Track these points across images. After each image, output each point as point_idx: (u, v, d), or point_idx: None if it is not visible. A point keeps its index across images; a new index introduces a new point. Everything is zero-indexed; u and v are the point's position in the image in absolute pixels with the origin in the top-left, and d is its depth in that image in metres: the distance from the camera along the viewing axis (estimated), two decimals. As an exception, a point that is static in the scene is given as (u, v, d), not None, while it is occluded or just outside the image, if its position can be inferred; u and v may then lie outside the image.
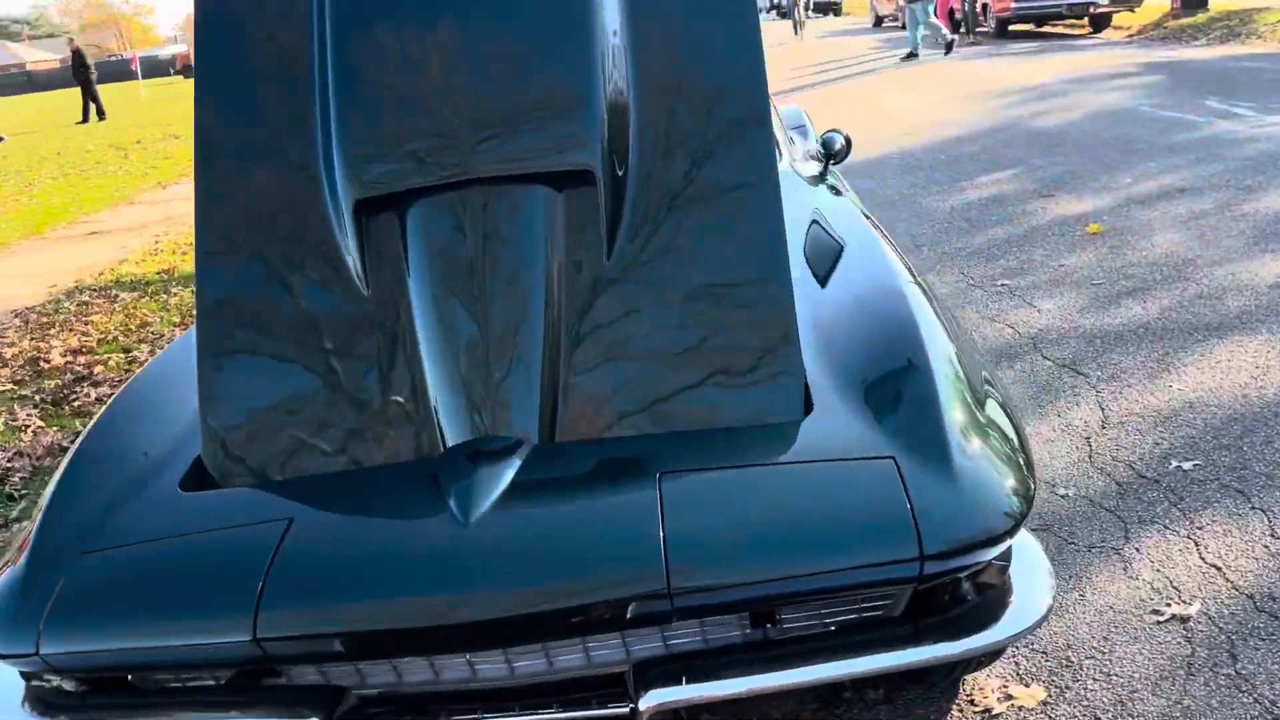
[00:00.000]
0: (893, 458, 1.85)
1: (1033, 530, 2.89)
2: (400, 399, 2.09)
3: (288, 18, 2.27)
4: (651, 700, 1.74)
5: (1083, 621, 2.54)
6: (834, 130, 3.65)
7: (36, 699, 1.94)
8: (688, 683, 1.76)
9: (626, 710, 1.78)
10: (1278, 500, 2.94)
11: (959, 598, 1.89)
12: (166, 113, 24.21)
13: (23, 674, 1.95)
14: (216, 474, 2.09)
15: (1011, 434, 2.00)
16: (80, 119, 23.58)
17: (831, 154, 3.59)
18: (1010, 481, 1.85)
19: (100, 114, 23.70)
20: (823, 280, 2.56)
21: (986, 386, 2.13)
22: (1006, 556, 1.96)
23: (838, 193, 3.39)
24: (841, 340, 2.22)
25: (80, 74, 23.52)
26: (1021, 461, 1.93)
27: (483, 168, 2.16)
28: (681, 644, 1.86)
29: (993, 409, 2.06)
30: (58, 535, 1.97)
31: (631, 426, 2.03)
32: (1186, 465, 3.16)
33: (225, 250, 2.21)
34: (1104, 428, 3.43)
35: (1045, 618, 1.89)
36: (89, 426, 2.28)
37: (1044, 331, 4.32)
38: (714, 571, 1.73)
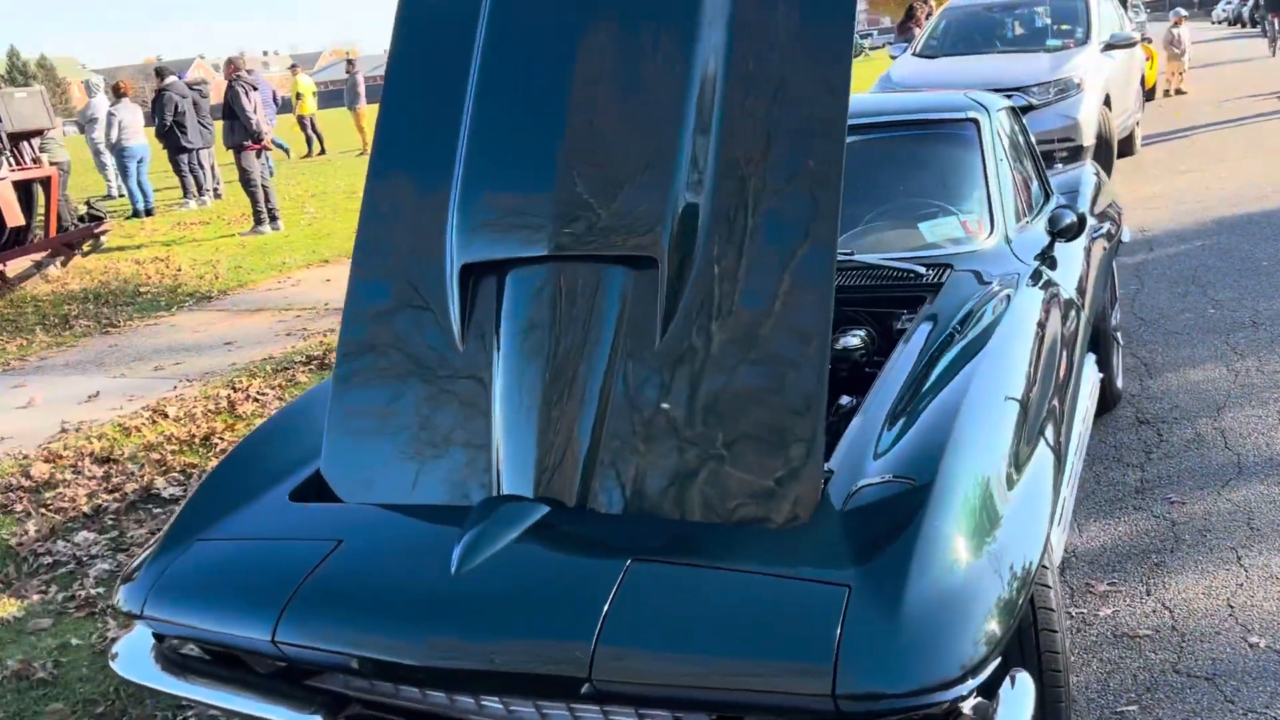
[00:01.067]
0: (848, 586, 1.82)
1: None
2: (470, 449, 2.33)
3: (448, 95, 2.57)
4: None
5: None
6: (1066, 206, 3.43)
7: (160, 655, 2.39)
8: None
9: None
10: None
11: None
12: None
13: (153, 633, 2.41)
14: (332, 486, 2.45)
15: (1011, 575, 1.89)
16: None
17: (1056, 232, 3.37)
18: (978, 628, 1.77)
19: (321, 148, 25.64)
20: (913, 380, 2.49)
21: (1014, 521, 2.01)
22: (983, 706, 1.86)
23: (1039, 279, 3.19)
24: (875, 449, 2.18)
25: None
26: (1003, 605, 1.82)
27: (568, 247, 2.34)
28: None
29: (1006, 546, 1.94)
30: (187, 524, 2.41)
31: (645, 503, 2.13)
32: None
33: (367, 298, 2.55)
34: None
35: None
36: (238, 443, 2.74)
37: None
38: (634, 664, 1.81)
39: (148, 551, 2.41)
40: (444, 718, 2.13)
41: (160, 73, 14.28)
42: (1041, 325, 2.93)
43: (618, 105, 2.39)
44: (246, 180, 11.37)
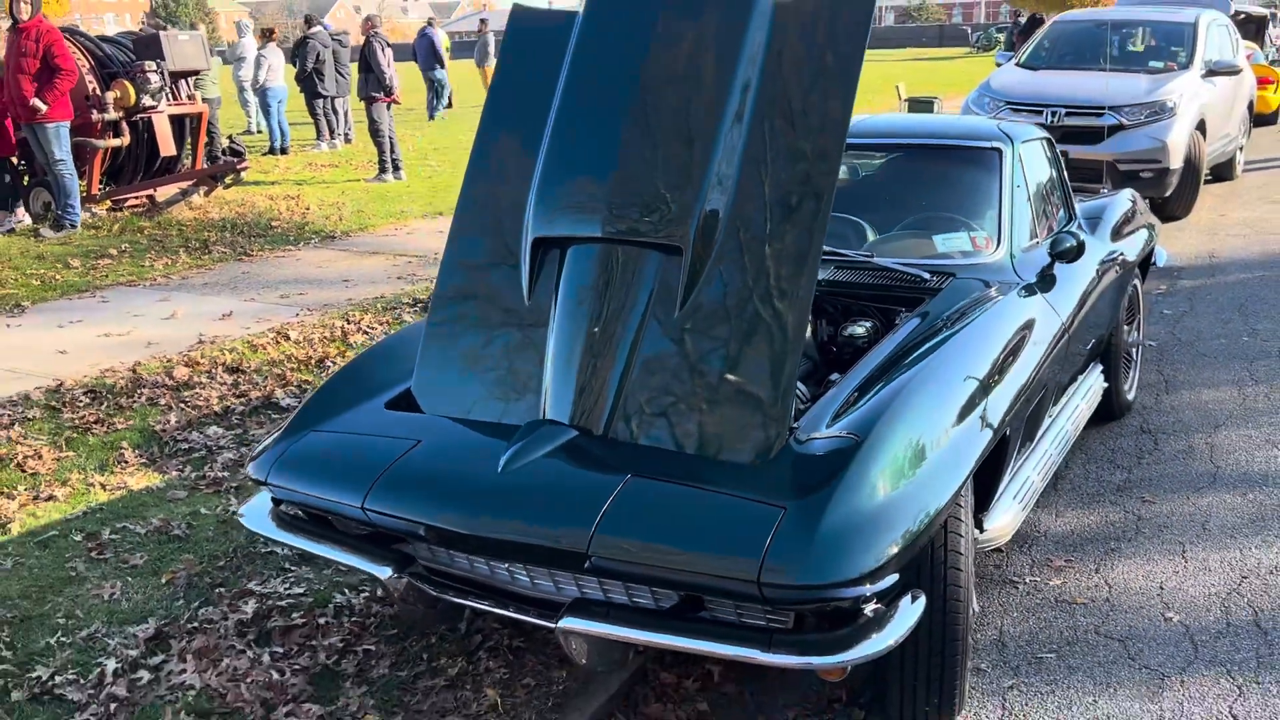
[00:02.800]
0: (784, 507, 2.43)
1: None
2: (526, 382, 2.98)
3: (539, 100, 3.21)
4: (565, 622, 2.51)
5: None
6: (1068, 231, 3.91)
7: (276, 515, 3.11)
8: (597, 621, 2.50)
9: (551, 625, 2.57)
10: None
11: (825, 624, 2.44)
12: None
13: (272, 498, 3.13)
14: (418, 401, 3.13)
15: (916, 515, 2.47)
16: None
17: (1056, 254, 3.86)
18: (879, 549, 2.36)
19: None
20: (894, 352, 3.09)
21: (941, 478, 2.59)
22: (885, 602, 2.45)
23: (1031, 292, 3.71)
24: (837, 412, 2.78)
25: None
26: (905, 535, 2.41)
27: (615, 233, 2.97)
28: (615, 599, 2.60)
29: (916, 493, 2.53)
30: (304, 419, 3.11)
31: (653, 436, 2.76)
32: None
33: (462, 252, 3.22)
34: None
35: (881, 653, 2.38)
36: (350, 360, 3.43)
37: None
38: (621, 548, 2.45)
39: (272, 437, 3.13)
40: (485, 584, 2.80)
41: (309, 20, 15.26)
42: (1021, 329, 3.46)
43: (667, 121, 3.01)
44: (375, 130, 12.24)
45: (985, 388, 3.05)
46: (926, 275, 3.69)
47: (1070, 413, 4.19)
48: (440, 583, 2.83)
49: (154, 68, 9.61)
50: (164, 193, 10.22)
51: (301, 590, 3.55)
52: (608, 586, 2.61)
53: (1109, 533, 3.98)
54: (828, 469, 2.54)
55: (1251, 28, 19.67)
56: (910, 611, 2.49)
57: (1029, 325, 3.54)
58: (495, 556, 2.68)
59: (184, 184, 10.30)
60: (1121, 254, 4.69)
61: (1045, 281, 3.87)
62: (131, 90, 9.54)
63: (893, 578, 2.44)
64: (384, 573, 2.78)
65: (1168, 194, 9.63)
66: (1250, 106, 12.64)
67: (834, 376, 3.31)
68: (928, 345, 3.16)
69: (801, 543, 2.36)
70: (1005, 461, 3.21)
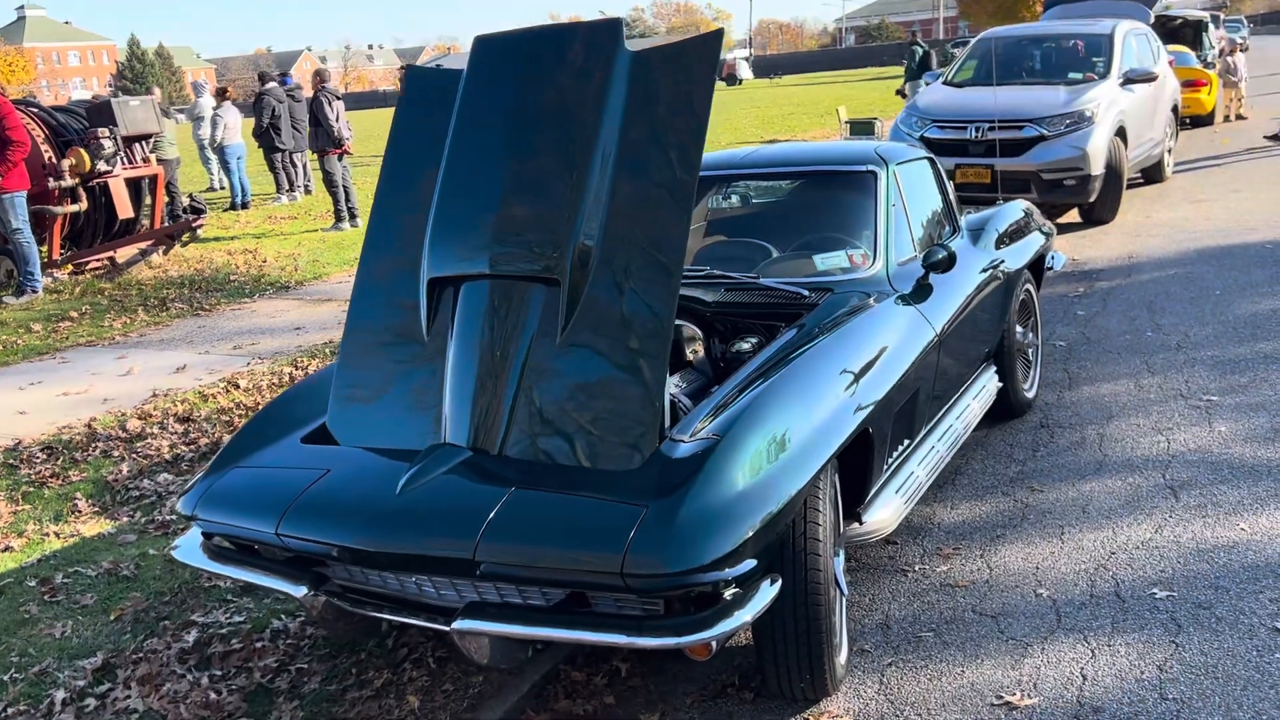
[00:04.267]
0: (646, 506, 2.73)
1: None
2: (427, 410, 3.27)
3: (436, 145, 3.53)
4: (458, 624, 2.78)
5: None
6: (939, 244, 4.23)
7: (207, 547, 3.38)
8: (488, 621, 2.78)
9: (446, 627, 2.85)
10: None
11: (690, 609, 2.73)
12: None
13: (202, 531, 3.40)
14: (333, 433, 3.41)
15: (768, 507, 2.77)
16: None
17: (929, 265, 4.18)
18: (732, 539, 2.66)
19: None
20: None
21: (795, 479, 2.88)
22: (744, 585, 2.74)
23: (904, 301, 4.03)
24: (707, 417, 3.08)
25: None
26: (758, 526, 2.71)
27: (501, 268, 3.27)
28: (507, 600, 2.89)
29: (768, 488, 2.82)
30: (227, 457, 3.39)
31: (541, 451, 3.05)
32: None
33: (367, 294, 3.52)
34: None
35: (738, 629, 2.66)
36: (270, 401, 3.73)
37: None
38: (504, 553, 2.74)
39: (199, 475, 3.41)
40: (395, 597, 3.08)
41: (262, 77, 15.60)
42: (888, 334, 3.78)
43: (543, 167, 3.33)
44: (329, 181, 12.57)
45: (844, 388, 3.36)
46: (805, 292, 4.01)
47: (960, 412, 4.51)
48: (354, 598, 3.10)
49: (107, 134, 9.92)
50: (124, 254, 10.51)
51: (242, 618, 3.82)
52: (500, 589, 2.89)
53: (997, 521, 4.28)
54: (688, 469, 2.83)
55: (1189, 32, 20.27)
56: (766, 592, 2.78)
57: (898, 331, 3.85)
58: (398, 570, 2.96)
59: (143, 244, 10.59)
60: (1004, 261, 5.02)
61: (920, 292, 4.19)
62: (86, 157, 9.84)
63: (750, 563, 2.73)
64: (299, 591, 3.06)
65: (1092, 199, 10.03)
66: (1175, 110, 13.08)
67: (715, 388, 3.61)
68: (795, 353, 3.47)
69: (659, 536, 2.64)
70: (874, 458, 3.51)
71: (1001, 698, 3.14)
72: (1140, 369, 5.90)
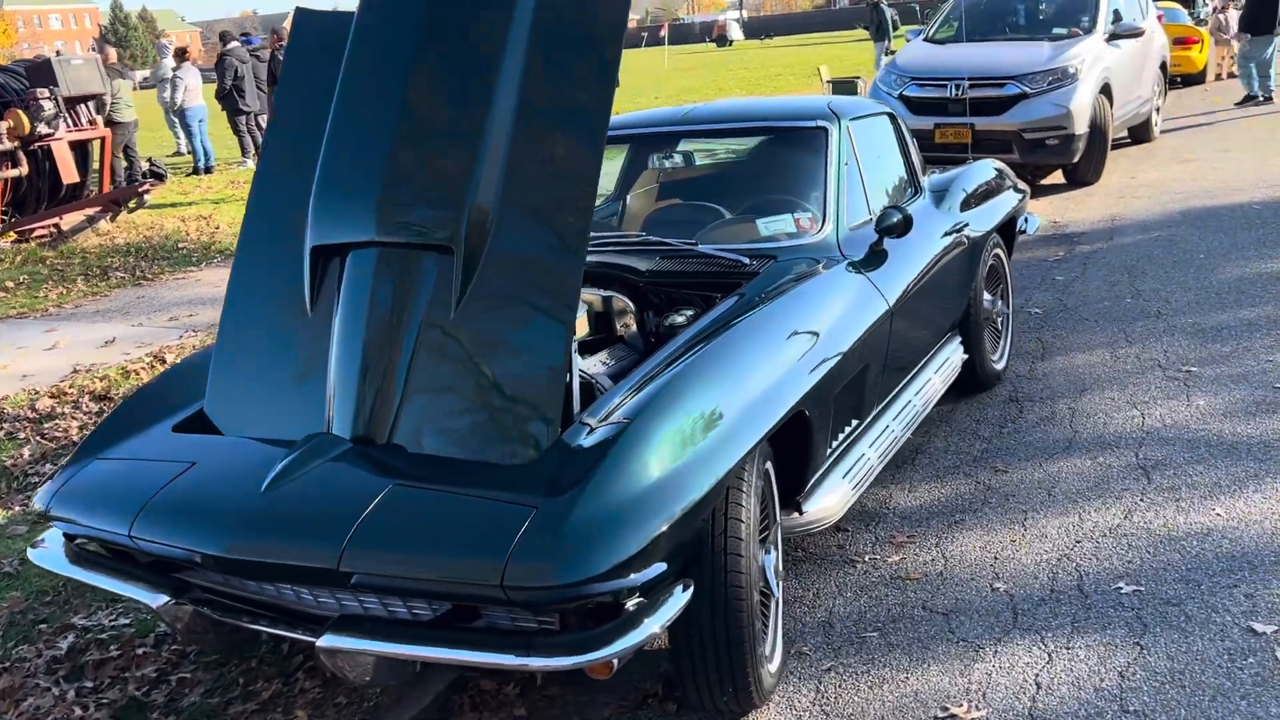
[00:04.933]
0: (535, 507, 2.39)
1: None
2: (310, 395, 2.92)
3: (317, 111, 3.15)
4: (325, 640, 2.44)
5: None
6: (894, 206, 3.88)
7: (68, 549, 3.04)
8: (359, 637, 2.45)
9: (313, 640, 2.51)
10: None
11: (591, 622, 2.40)
12: (686, 84, 26.44)
13: (64, 533, 3.06)
14: (213, 420, 3.06)
15: (676, 505, 2.43)
16: None
17: (882, 229, 3.83)
18: (631, 544, 2.32)
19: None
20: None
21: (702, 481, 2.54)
22: (654, 592, 2.41)
23: (855, 269, 3.69)
24: (622, 399, 2.74)
25: None
26: (664, 528, 2.38)
27: (389, 235, 2.92)
28: (380, 613, 2.55)
29: (678, 482, 2.49)
30: (91, 447, 3.05)
31: (432, 442, 2.71)
32: None
33: (249, 265, 3.16)
34: None
35: (640, 644, 2.33)
36: (145, 383, 3.37)
37: None
38: (373, 561, 2.40)
39: (60, 467, 3.06)
40: (270, 604, 2.75)
41: (223, 37, 15.12)
42: (832, 305, 3.44)
43: (435, 124, 2.96)
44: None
45: (777, 365, 3.02)
46: (746, 260, 3.66)
47: (920, 388, 4.17)
48: (223, 606, 2.77)
49: (47, 95, 9.49)
50: (69, 221, 10.10)
51: (127, 621, 3.49)
52: (382, 599, 2.55)
53: (956, 505, 3.96)
54: (588, 463, 2.50)
55: (1185, -12, 19.81)
56: (677, 600, 2.46)
57: (844, 301, 3.51)
58: (261, 579, 2.62)
59: (89, 211, 10.18)
60: (969, 225, 4.67)
61: (872, 258, 3.85)
62: (25, 119, 9.41)
63: (659, 567, 2.41)
64: (158, 600, 2.72)
65: (1075, 160, 9.66)
66: (1164, 67, 12.68)
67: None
68: (725, 327, 3.13)
69: (547, 542, 2.31)
70: (813, 443, 3.18)
71: (947, 709, 2.83)
72: (1118, 338, 5.57)
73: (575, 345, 2.85)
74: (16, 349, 6.65)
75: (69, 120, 10.03)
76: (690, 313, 3.57)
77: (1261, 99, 14.47)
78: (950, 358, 4.54)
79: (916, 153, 4.88)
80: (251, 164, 15.26)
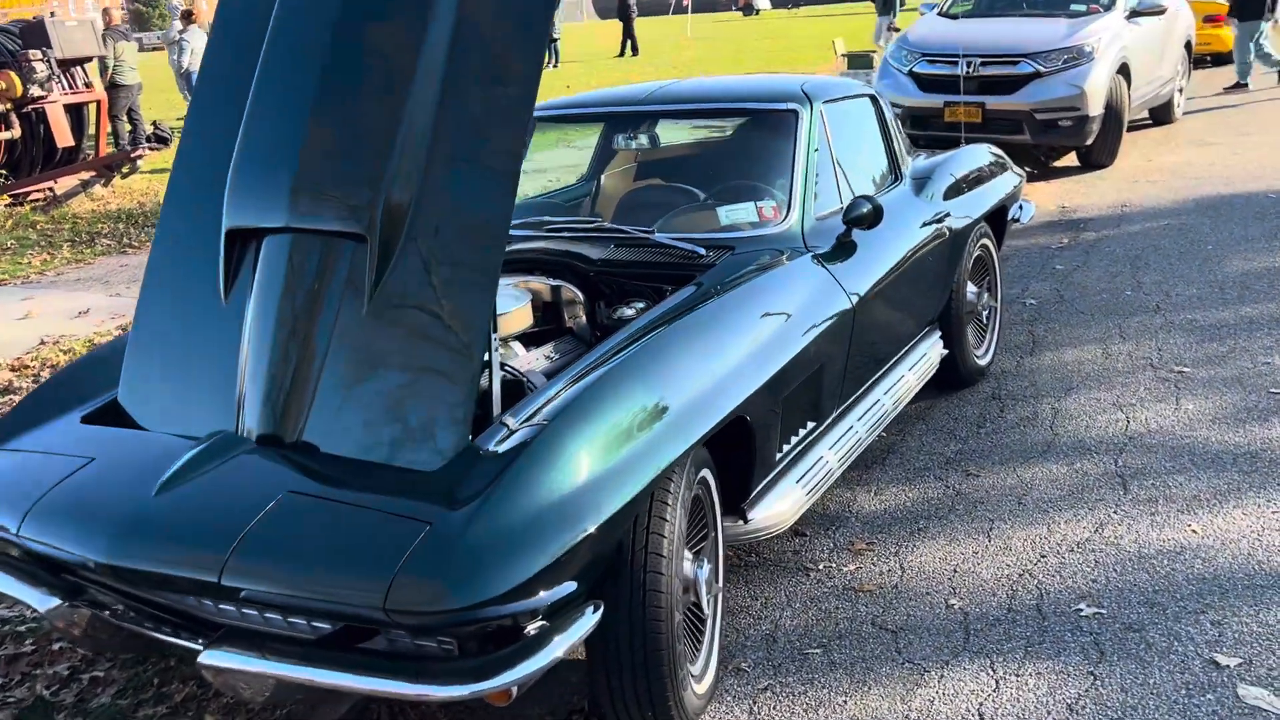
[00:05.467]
0: (430, 523, 2.23)
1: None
2: (221, 389, 2.76)
3: (239, 87, 2.98)
4: (206, 656, 2.29)
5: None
6: (865, 197, 3.67)
7: None
8: (241, 654, 2.30)
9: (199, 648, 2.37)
10: None
11: (491, 646, 2.24)
12: (702, 53, 26.05)
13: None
14: (128, 412, 2.92)
15: (587, 522, 2.27)
16: (618, 53, 26.13)
17: (850, 220, 3.63)
18: (531, 565, 2.17)
19: (634, 50, 26.00)
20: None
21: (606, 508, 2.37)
22: (564, 612, 2.25)
23: (819, 261, 3.50)
24: (547, 401, 2.57)
25: (623, 8, 26.02)
26: (572, 547, 2.22)
27: (302, 219, 2.75)
28: (268, 628, 2.40)
29: (588, 496, 2.32)
30: (3, 430, 2.93)
31: (341, 442, 2.55)
32: None
33: (167, 247, 3.00)
34: None
35: (540, 671, 2.17)
36: (62, 368, 3.22)
37: None
38: (256, 574, 2.25)
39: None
40: (175, 609, 2.60)
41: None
42: (788, 301, 3.26)
43: (354, 103, 2.78)
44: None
45: (717, 366, 2.85)
46: (702, 250, 3.47)
47: (891, 386, 3.99)
48: (120, 610, 2.63)
49: (40, 56, 9.35)
50: (63, 185, 9.99)
51: (49, 612, 3.36)
52: (267, 615, 2.41)
53: (921, 510, 3.78)
54: (493, 471, 2.33)
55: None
56: (584, 623, 2.30)
57: (802, 297, 3.33)
58: (147, 588, 2.48)
59: (84, 175, 10.06)
60: (952, 214, 4.45)
61: (839, 251, 3.65)
62: (17, 81, 9.29)
63: (567, 587, 2.26)
64: (49, 604, 2.57)
65: (1089, 142, 9.37)
66: (1189, 46, 12.30)
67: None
68: (665, 323, 2.96)
69: (435, 563, 2.15)
70: (756, 449, 3.00)
71: (882, 739, 2.67)
72: (1112, 333, 5.34)
73: (498, 341, 2.68)
74: (-12, 318, 6.55)
75: (64, 83, 9.89)
76: (641, 305, 3.40)
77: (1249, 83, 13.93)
78: (928, 353, 4.35)
79: (901, 137, 4.67)
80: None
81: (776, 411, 3.09)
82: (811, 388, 3.33)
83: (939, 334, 4.50)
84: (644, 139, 4.11)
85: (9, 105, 9.37)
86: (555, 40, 23.87)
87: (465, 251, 2.61)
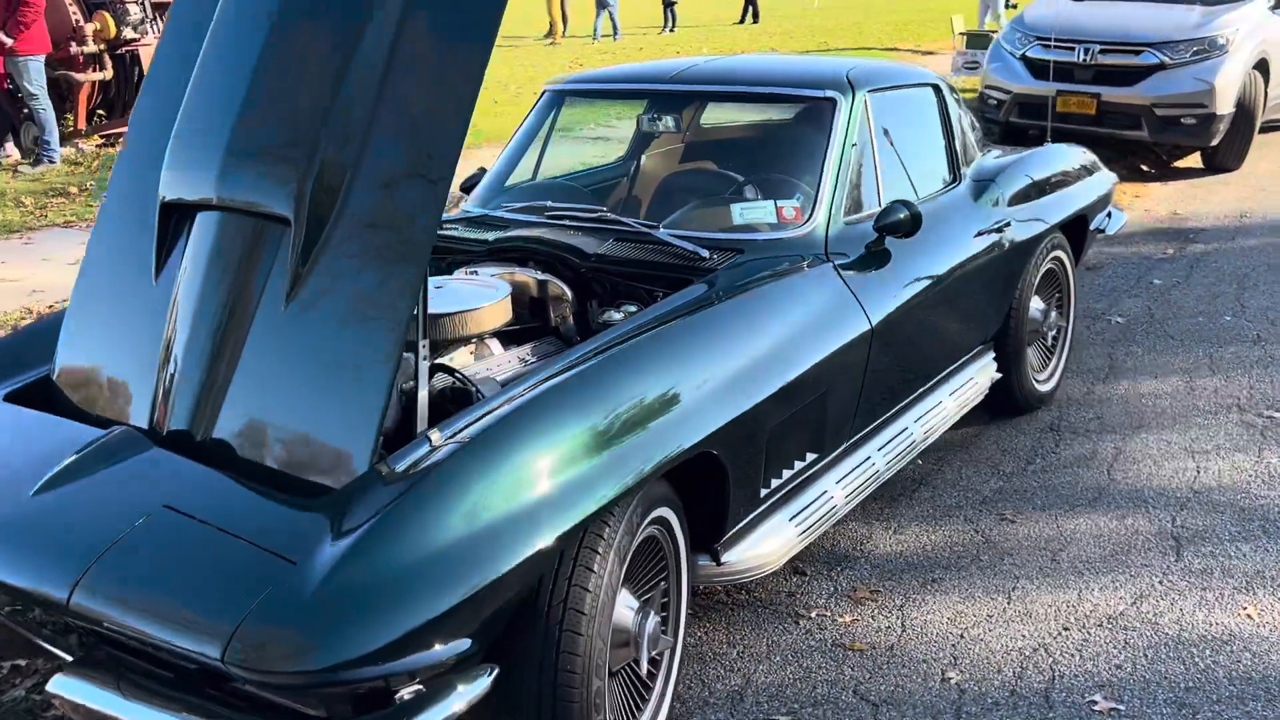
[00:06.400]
0: (294, 561, 1.95)
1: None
2: (142, 379, 2.54)
3: (188, 63, 2.73)
4: (54, 684, 2.06)
5: None
6: (901, 201, 3.25)
7: None
8: (97, 686, 2.06)
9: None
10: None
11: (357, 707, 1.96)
12: (833, 19, 25.24)
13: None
14: (64, 392, 2.71)
15: (487, 575, 1.97)
16: (738, 19, 25.56)
17: (882, 227, 3.22)
18: (391, 628, 1.87)
19: (755, 17, 25.43)
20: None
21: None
22: (425, 691, 1.95)
23: (841, 271, 3.11)
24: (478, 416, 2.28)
25: None
26: (465, 602, 1.93)
27: (226, 200, 2.49)
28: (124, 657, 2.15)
29: (513, 539, 2.03)
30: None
31: (248, 451, 2.29)
32: None
33: (111, 218, 2.78)
34: None
35: None
36: (9, 334, 3.02)
37: None
38: (104, 600, 1.99)
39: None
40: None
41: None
42: (792, 318, 2.89)
43: (301, 65, 2.50)
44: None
45: (682, 392, 2.50)
46: (704, 252, 3.10)
47: (923, 414, 3.57)
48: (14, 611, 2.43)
49: (134, -1, 9.35)
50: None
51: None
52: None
53: (940, 557, 3.37)
54: (386, 500, 2.04)
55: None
56: (471, 689, 2.00)
57: (810, 313, 2.95)
58: (9, 599, 2.26)
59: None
60: (1014, 222, 3.98)
61: (866, 261, 3.25)
62: (111, 22, 9.30)
63: (457, 645, 1.97)
64: None
65: (1214, 143, 8.61)
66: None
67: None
68: (635, 335, 2.62)
69: (286, 613, 1.88)
70: (730, 486, 2.65)
71: (831, 840, 2.31)
72: (1201, 363, 4.79)
73: (425, 347, 2.37)
74: (42, 260, 6.51)
75: (157, 25, 9.88)
76: (633, 309, 3.06)
77: None
78: (975, 377, 3.91)
79: (969, 133, 4.20)
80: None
81: (758, 445, 2.73)
82: (812, 418, 2.95)
83: (992, 355, 4.05)
84: (668, 122, 3.74)
85: (102, 46, 9.39)
86: (674, 4, 23.36)
87: (391, 250, 2.31)
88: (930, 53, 16.73)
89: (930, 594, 3.18)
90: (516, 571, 2.04)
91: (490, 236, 3.40)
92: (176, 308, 2.52)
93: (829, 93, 3.46)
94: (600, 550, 2.24)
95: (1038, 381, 4.35)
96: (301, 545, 1.98)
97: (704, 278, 3.00)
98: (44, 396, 2.70)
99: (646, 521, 2.44)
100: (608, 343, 2.61)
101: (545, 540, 2.09)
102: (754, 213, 3.30)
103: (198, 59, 2.66)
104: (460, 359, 2.92)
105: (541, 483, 2.15)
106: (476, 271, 3.21)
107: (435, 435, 2.23)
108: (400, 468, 2.15)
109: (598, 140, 5.70)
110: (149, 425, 2.45)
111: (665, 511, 2.54)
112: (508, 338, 3.08)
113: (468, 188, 3.98)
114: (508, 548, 2.04)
